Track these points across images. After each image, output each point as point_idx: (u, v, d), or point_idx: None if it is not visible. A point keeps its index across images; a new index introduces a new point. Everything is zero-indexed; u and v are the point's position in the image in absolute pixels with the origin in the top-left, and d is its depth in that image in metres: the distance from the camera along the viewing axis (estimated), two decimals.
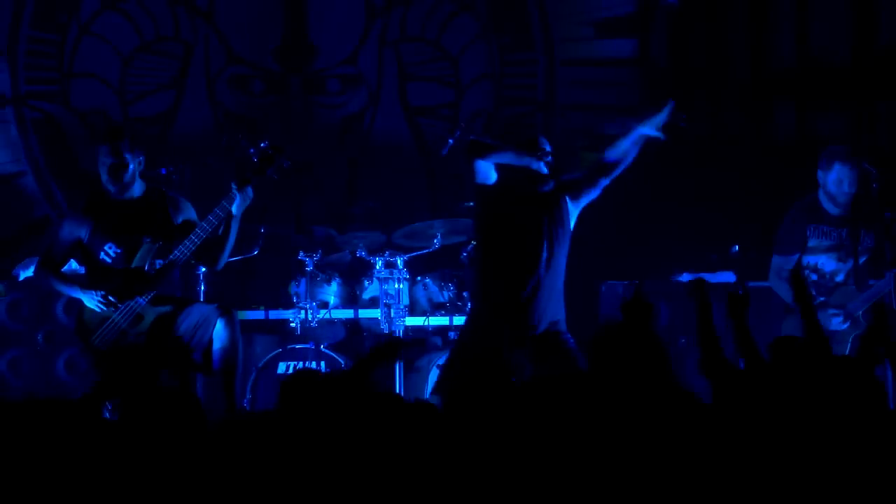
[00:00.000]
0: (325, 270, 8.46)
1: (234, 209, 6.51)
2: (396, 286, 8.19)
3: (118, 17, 9.94)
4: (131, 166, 6.57)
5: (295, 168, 8.38)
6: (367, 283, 8.48)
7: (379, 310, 8.20)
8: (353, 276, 8.56)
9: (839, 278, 7.62)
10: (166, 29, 10.06)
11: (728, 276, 8.66)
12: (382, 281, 8.32)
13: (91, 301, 6.57)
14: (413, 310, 8.39)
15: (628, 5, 10.40)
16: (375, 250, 8.51)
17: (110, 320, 6.53)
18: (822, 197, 7.53)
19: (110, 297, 6.54)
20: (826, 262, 7.59)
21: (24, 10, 9.83)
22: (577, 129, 10.38)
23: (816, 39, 9.87)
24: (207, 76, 10.16)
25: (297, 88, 10.14)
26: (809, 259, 7.60)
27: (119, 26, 9.94)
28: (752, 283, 8.28)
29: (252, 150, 6.89)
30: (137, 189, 6.67)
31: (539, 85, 10.47)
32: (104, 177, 6.57)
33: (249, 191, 6.52)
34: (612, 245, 9.47)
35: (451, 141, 8.39)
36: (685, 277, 8.69)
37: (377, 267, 8.30)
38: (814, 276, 7.64)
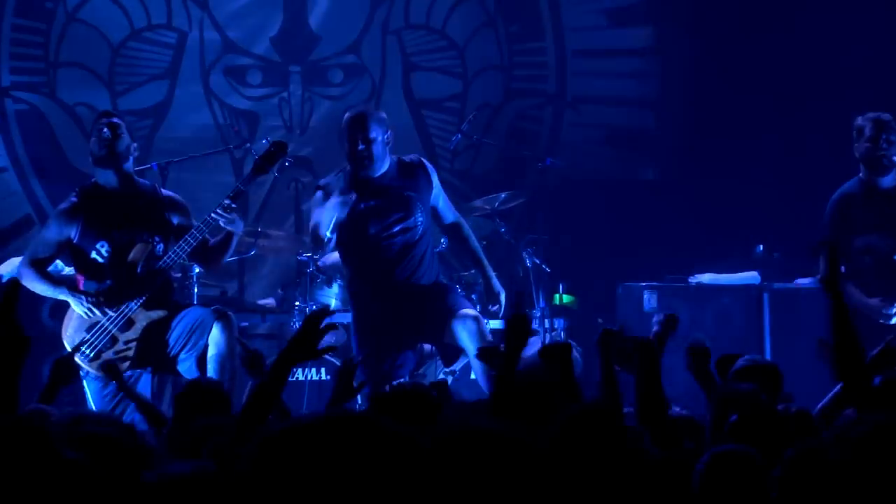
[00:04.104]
0: (326, 272, 8.32)
1: (229, 227, 6.46)
2: None
3: (107, 3, 9.80)
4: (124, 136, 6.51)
5: (294, 164, 8.76)
6: None
7: None
8: None
9: None
10: (158, 16, 9.95)
11: (752, 279, 8.53)
12: None
13: (80, 304, 6.43)
14: None
15: None
16: None
17: (100, 325, 6.41)
18: (864, 174, 7.26)
19: (101, 300, 6.43)
20: (879, 241, 7.27)
21: None
22: (591, 124, 10.38)
23: (843, 28, 9.70)
24: (202, 66, 10.06)
25: (296, 79, 10.10)
26: (860, 240, 7.27)
27: (108, 13, 9.81)
28: (777, 285, 8.32)
29: (249, 145, 6.97)
30: (131, 185, 6.56)
31: (549, 76, 10.38)
32: (94, 146, 6.51)
33: (234, 213, 6.47)
34: (629, 245, 9.43)
35: (458, 135, 8.57)
36: (705, 278, 8.55)
37: None
38: (868, 260, 7.29)
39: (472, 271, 8.33)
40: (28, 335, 3.13)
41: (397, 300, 6.73)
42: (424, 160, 6.92)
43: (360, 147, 6.63)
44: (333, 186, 6.67)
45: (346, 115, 6.86)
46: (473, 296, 8.10)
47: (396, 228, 6.71)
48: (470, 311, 6.66)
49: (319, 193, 6.70)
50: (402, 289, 6.73)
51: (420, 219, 6.75)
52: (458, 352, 6.78)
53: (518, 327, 4.30)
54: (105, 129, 6.45)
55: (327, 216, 6.59)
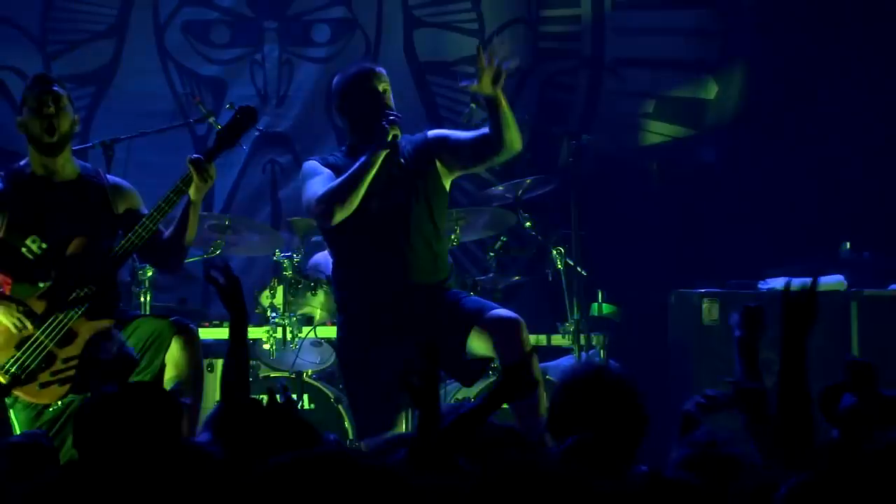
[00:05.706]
0: (309, 276, 8.06)
1: (192, 193, 6.08)
2: None
3: None
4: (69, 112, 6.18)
5: (270, 141, 9.02)
6: None
7: None
8: None
9: None
10: None
11: (837, 284, 8.35)
12: None
13: (7, 314, 5.99)
14: None
15: None
16: None
17: (33, 338, 5.97)
18: None
19: (33, 309, 6.00)
20: None
21: None
22: (634, 92, 9.97)
23: None
24: (156, 22, 9.79)
25: (272, 37, 9.82)
26: None
27: None
28: (868, 292, 8.28)
29: (214, 119, 6.69)
30: (69, 169, 6.18)
31: (584, 33, 10.02)
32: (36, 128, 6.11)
33: (210, 169, 6.08)
34: (683, 243, 9.29)
35: (472, 105, 7.88)
36: (778, 284, 8.27)
37: None
38: None
39: (490, 275, 8.17)
40: None
41: (400, 307, 6.08)
42: (428, 134, 6.45)
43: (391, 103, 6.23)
44: (340, 164, 6.14)
45: (352, 69, 6.33)
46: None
47: (404, 215, 6.18)
48: (503, 312, 5.99)
49: (317, 160, 6.24)
50: (407, 292, 6.11)
51: (434, 202, 6.25)
52: (483, 366, 6.26)
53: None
54: (48, 102, 6.05)
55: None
